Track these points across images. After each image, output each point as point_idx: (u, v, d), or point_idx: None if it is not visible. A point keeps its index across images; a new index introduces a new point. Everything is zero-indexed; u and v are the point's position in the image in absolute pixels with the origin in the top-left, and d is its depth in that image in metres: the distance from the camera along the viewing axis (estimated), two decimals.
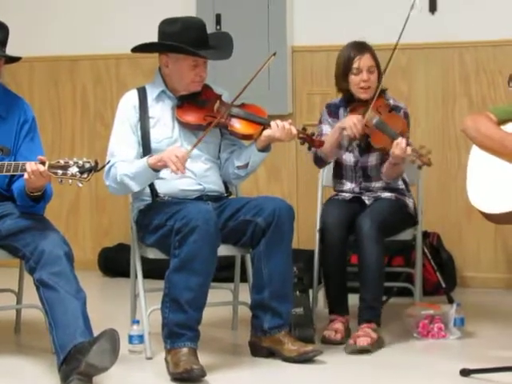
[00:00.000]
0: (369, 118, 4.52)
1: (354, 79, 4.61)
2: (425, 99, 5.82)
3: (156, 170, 4.08)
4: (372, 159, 4.65)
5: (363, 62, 4.60)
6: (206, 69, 4.31)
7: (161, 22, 4.33)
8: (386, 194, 4.65)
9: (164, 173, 4.16)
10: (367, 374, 3.99)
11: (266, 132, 4.18)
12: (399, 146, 4.29)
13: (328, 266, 4.52)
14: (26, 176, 3.88)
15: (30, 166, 3.85)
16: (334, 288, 4.55)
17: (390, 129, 4.45)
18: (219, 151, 4.40)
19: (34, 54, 4.71)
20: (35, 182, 3.89)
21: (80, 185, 3.90)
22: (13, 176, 4.05)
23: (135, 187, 4.14)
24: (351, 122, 4.43)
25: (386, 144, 4.40)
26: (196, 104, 4.28)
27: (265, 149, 4.27)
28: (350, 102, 4.72)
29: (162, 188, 4.22)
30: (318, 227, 4.58)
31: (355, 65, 4.60)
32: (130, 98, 4.33)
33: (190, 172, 4.23)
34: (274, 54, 4.48)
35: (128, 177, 4.09)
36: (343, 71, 4.66)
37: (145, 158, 4.10)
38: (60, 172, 3.83)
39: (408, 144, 4.31)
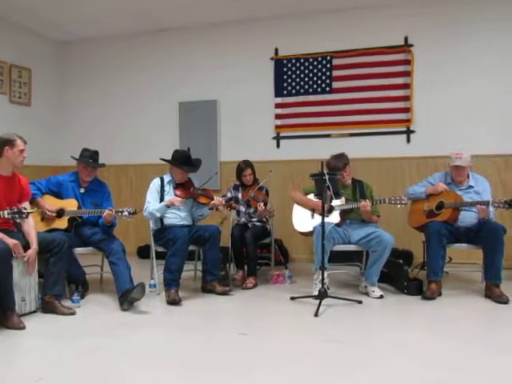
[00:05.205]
0: (250, 193, 4.46)
1: (242, 178, 4.55)
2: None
3: (168, 206, 4.00)
4: (251, 210, 4.53)
5: (247, 172, 4.54)
6: (187, 173, 4.18)
7: (173, 151, 4.25)
8: (258, 223, 4.52)
9: (167, 215, 4.08)
10: (250, 298, 3.95)
11: (212, 202, 4.08)
12: (261, 207, 4.32)
13: (235, 252, 4.40)
14: (103, 216, 3.85)
15: (106, 212, 3.82)
16: (238, 261, 4.45)
17: (258, 198, 4.41)
18: (191, 208, 4.22)
19: (108, 162, 4.59)
20: (108, 218, 3.84)
21: (129, 220, 3.93)
22: (99, 216, 3.94)
23: (158, 215, 4.02)
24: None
25: (256, 205, 4.39)
26: (182, 187, 4.14)
27: (211, 209, 4.18)
28: (243, 184, 4.62)
29: (166, 221, 4.09)
30: (230, 235, 4.39)
31: (243, 173, 4.55)
32: (156, 181, 4.16)
33: (179, 216, 4.12)
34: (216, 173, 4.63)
35: (154, 210, 4.00)
36: (238, 175, 4.60)
37: (162, 202, 4.03)
38: (120, 214, 3.81)
39: (265, 207, 4.35)
